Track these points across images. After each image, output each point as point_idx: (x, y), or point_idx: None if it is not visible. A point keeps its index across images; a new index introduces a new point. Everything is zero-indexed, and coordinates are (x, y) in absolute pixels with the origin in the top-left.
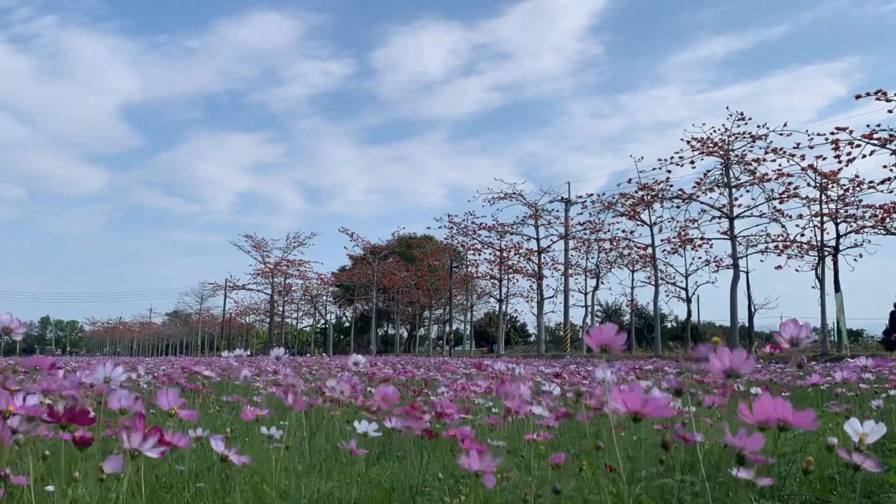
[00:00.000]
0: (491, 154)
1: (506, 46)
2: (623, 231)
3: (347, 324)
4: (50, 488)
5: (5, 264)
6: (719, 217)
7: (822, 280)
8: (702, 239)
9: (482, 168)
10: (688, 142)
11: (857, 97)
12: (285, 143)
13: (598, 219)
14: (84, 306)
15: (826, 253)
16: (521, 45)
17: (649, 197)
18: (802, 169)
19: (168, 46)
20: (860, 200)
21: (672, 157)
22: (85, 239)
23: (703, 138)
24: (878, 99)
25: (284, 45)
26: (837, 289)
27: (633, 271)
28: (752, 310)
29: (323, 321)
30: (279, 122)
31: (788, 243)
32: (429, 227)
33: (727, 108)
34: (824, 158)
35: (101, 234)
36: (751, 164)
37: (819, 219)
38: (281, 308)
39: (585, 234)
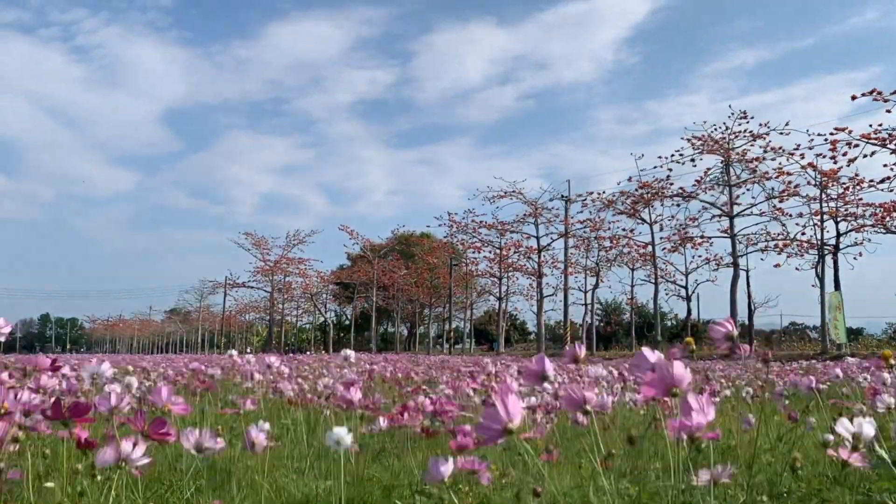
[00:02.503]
0: (516, 157)
1: (545, 56)
2: (623, 229)
3: (347, 322)
4: (49, 485)
5: (24, 263)
6: (719, 215)
7: (822, 278)
8: (702, 237)
9: (507, 171)
10: (688, 140)
11: (854, 97)
12: (319, 147)
13: (598, 217)
14: (86, 304)
15: (826, 251)
16: (561, 55)
17: (649, 195)
18: (802, 167)
19: (220, 56)
20: (860, 199)
21: (672, 155)
22: (101, 239)
23: (703, 136)
24: (874, 99)
25: (334, 55)
26: (837, 287)
27: (633, 269)
28: (752, 308)
29: (323, 319)
30: (316, 127)
31: (788, 242)
32: (428, 226)
33: (729, 106)
34: (823, 157)
35: (116, 234)
36: (751, 163)
37: (819, 217)
38: (281, 306)
39: (585, 232)
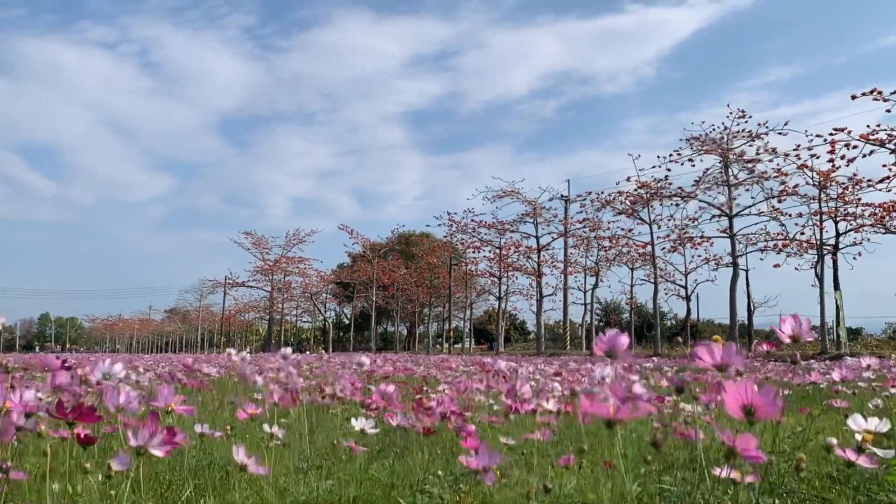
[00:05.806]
0: (547, 164)
1: (589, 71)
2: (622, 229)
3: (347, 321)
4: (55, 487)
5: (29, 263)
6: (718, 215)
7: (821, 278)
8: (701, 237)
9: (536, 176)
10: (687, 140)
11: (854, 97)
12: (359, 153)
13: (597, 217)
14: (86, 303)
15: (825, 251)
16: (604, 70)
17: (648, 195)
18: (800, 167)
19: (280, 70)
20: (859, 199)
21: (671, 155)
22: (125, 241)
23: (701, 136)
24: (874, 99)
25: (389, 68)
26: (837, 287)
27: (632, 269)
28: (752, 308)
29: (322, 319)
30: (360, 135)
31: (788, 242)
32: (428, 225)
33: (727, 105)
34: (818, 157)
35: (142, 236)
36: (750, 163)
37: (818, 217)
38: (280, 305)
39: (585, 231)
